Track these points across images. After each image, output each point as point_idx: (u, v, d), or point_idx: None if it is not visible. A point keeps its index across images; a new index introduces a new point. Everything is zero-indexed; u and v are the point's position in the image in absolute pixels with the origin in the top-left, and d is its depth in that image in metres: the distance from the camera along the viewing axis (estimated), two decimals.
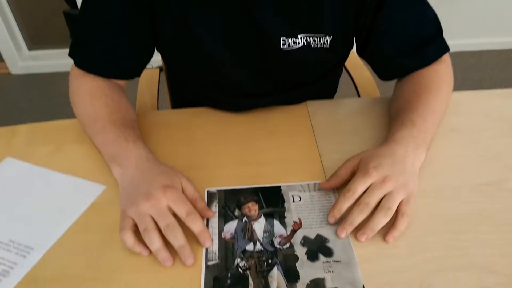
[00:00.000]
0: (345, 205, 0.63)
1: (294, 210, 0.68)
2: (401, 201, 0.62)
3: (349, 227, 0.61)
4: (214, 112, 0.90)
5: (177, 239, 0.59)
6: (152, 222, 0.60)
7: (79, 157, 0.79)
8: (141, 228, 0.60)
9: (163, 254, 0.59)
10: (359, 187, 0.63)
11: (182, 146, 0.81)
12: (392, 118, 0.80)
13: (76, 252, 0.62)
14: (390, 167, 0.65)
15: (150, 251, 0.60)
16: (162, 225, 0.60)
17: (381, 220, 0.61)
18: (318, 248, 0.62)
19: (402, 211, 0.62)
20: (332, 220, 0.63)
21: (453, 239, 0.62)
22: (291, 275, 0.58)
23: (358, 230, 0.62)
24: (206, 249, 0.62)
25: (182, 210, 0.62)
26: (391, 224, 0.62)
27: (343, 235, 0.61)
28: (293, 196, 0.70)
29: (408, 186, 0.64)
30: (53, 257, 0.61)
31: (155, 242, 0.59)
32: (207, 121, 0.88)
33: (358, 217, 0.61)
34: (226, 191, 0.72)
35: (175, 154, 0.79)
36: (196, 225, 0.61)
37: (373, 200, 0.62)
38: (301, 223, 0.65)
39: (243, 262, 0.60)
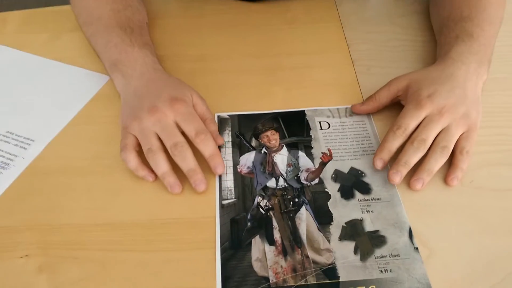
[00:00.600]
0: (395, 143, 0.51)
1: (322, 139, 0.57)
2: (460, 135, 0.51)
3: (403, 168, 0.50)
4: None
5: (186, 161, 0.50)
6: (157, 141, 0.50)
7: (80, 46, 0.69)
8: (144, 148, 0.51)
9: (171, 178, 0.50)
10: (411, 121, 0.51)
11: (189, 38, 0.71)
12: (439, 28, 0.66)
13: (80, 145, 0.57)
14: (448, 95, 0.52)
15: (156, 176, 0.52)
16: (168, 144, 0.50)
17: (438, 160, 0.50)
18: (353, 183, 0.52)
19: (462, 146, 0.51)
20: (379, 164, 0.51)
21: (498, 133, 0.57)
22: (323, 216, 0.49)
23: (409, 176, 0.51)
24: (220, 186, 0.52)
25: (191, 127, 0.51)
26: (449, 163, 0.51)
27: (397, 179, 0.50)
28: (320, 123, 0.59)
29: (470, 117, 0.52)
30: (55, 149, 0.57)
31: (161, 165, 0.50)
32: (218, 10, 0.77)
33: (413, 156, 0.50)
34: (240, 116, 0.60)
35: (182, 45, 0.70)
36: (207, 146, 0.51)
37: (429, 135, 0.50)
38: (331, 154, 0.55)
39: (265, 201, 0.51)
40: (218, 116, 0.60)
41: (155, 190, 0.52)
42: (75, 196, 0.52)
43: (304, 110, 0.61)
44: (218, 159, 0.52)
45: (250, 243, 0.47)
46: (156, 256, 0.46)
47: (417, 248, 0.45)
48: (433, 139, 0.51)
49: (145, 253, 0.46)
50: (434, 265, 0.44)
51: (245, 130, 0.58)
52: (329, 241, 0.46)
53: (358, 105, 0.59)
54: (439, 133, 0.51)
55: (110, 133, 0.58)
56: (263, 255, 0.46)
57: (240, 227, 0.48)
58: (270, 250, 0.46)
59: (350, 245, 0.46)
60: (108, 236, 0.48)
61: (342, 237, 0.47)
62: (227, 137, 0.58)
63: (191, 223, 0.49)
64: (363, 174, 0.53)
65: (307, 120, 0.59)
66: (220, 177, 0.53)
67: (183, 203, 0.51)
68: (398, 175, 0.50)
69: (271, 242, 0.47)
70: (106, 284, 0.44)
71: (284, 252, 0.46)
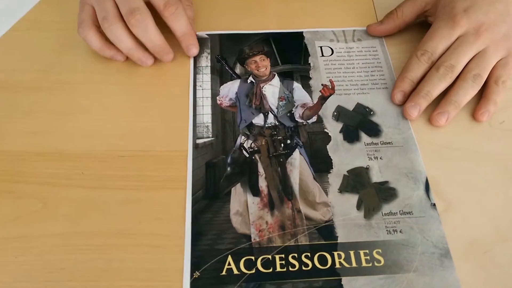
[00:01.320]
0: (419, 72, 0.42)
1: (323, 68, 0.46)
2: (497, 62, 0.41)
3: (423, 100, 0.41)
4: None
5: (148, 32, 0.42)
6: (114, 7, 0.42)
7: None
8: (99, 17, 0.43)
9: (139, 53, 0.44)
10: (440, 43, 0.41)
11: None
12: None
13: (24, 55, 0.48)
14: (488, 9, 0.41)
15: (126, 57, 0.45)
16: (123, 10, 0.42)
17: (469, 90, 0.40)
18: (358, 123, 0.42)
19: (498, 75, 0.41)
20: (399, 96, 0.42)
21: None
22: (320, 162, 0.39)
23: (431, 108, 0.42)
24: (194, 121, 0.42)
25: None
26: (479, 96, 0.42)
27: (415, 113, 0.41)
28: (321, 48, 0.48)
29: (511, 39, 0.41)
30: None
31: (123, 38, 0.43)
32: None
33: (437, 86, 0.40)
34: (222, 36, 0.49)
35: None
36: (179, 21, 0.43)
37: (460, 60, 0.40)
38: (333, 87, 0.44)
39: (249, 141, 0.41)
40: None
41: (115, 112, 0.42)
42: (14, 117, 0.43)
43: (302, 32, 0.49)
44: (192, 39, 0.45)
45: (229, 192, 0.38)
46: (110, 195, 0.37)
47: (434, 205, 0.37)
48: (463, 65, 0.40)
49: (96, 191, 0.38)
50: (452, 221, 0.36)
51: (228, 53, 0.47)
52: (326, 193, 0.37)
53: (375, 25, 0.48)
54: (472, 58, 0.41)
55: (61, 41, 0.49)
56: (245, 207, 0.37)
57: (218, 172, 0.39)
58: (253, 202, 0.37)
59: (353, 199, 0.37)
60: (51, 167, 0.39)
61: (342, 189, 0.38)
62: (205, 61, 0.46)
63: (157, 157, 0.39)
64: (371, 112, 0.43)
65: (306, 44, 0.48)
66: (194, 109, 0.42)
67: (149, 132, 0.41)
68: (416, 109, 0.40)
69: (255, 192, 0.38)
70: (46, 224, 0.36)
71: (270, 205, 0.37)
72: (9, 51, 0.48)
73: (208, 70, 0.46)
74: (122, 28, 0.42)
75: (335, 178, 0.38)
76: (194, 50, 0.45)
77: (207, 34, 0.48)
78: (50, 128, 0.42)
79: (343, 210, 0.36)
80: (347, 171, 0.39)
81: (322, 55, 0.47)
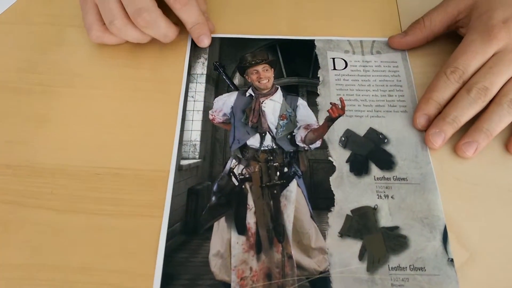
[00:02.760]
0: (447, 92, 0.36)
1: (334, 83, 0.40)
2: None
3: (449, 126, 0.35)
4: None
5: (159, 29, 0.39)
6: (119, 8, 0.38)
7: None
8: (106, 21, 0.39)
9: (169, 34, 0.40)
10: (474, 60, 0.35)
11: None
12: None
13: (9, 51, 0.43)
14: None
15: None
16: (129, 10, 0.38)
17: (504, 118, 0.34)
18: (369, 153, 0.36)
19: None
20: (422, 121, 0.36)
21: None
22: (321, 198, 0.34)
23: (457, 136, 0.35)
24: (181, 138, 0.36)
25: None
26: None
27: (439, 141, 0.35)
28: (334, 60, 0.41)
29: None
30: None
31: (135, 36, 0.40)
32: None
33: (467, 110, 0.34)
34: (222, 40, 0.43)
35: None
36: (190, 12, 0.40)
37: (495, 82, 0.34)
38: (343, 106, 0.38)
39: (241, 166, 0.35)
40: (192, 37, 0.43)
41: (95, 122, 0.37)
42: None
43: (313, 40, 0.43)
44: (204, 28, 0.41)
45: (211, 228, 0.32)
46: (79, 220, 0.33)
47: (451, 260, 0.31)
48: (499, 88, 0.34)
49: (65, 215, 0.33)
50: (473, 279, 0.30)
51: (228, 60, 0.42)
52: (324, 236, 0.32)
53: (399, 36, 0.41)
54: (510, 79, 0.34)
55: (47, 37, 0.44)
56: (227, 248, 0.32)
57: (201, 202, 0.34)
58: (238, 241, 0.32)
59: (355, 246, 0.32)
60: (20, 183, 0.35)
61: (344, 232, 0.32)
62: (201, 67, 0.41)
63: (135, 176, 0.35)
64: (385, 140, 0.37)
65: (316, 54, 0.42)
66: (182, 123, 0.37)
67: (129, 147, 0.36)
68: (441, 136, 0.34)
69: (241, 229, 0.32)
70: (4, 252, 0.31)
71: (257, 247, 0.32)
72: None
73: (203, 79, 0.40)
74: (133, 29, 0.39)
75: (336, 219, 0.33)
76: (206, 41, 0.41)
77: None
78: (24, 137, 0.37)
79: (342, 260, 0.31)
80: (351, 211, 0.33)
81: (334, 68, 0.41)
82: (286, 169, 0.35)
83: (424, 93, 0.37)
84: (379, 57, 0.42)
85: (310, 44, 0.43)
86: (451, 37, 0.41)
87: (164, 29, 0.39)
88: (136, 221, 0.33)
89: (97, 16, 0.40)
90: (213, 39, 0.43)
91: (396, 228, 0.32)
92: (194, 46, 0.42)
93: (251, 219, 0.33)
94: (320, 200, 0.34)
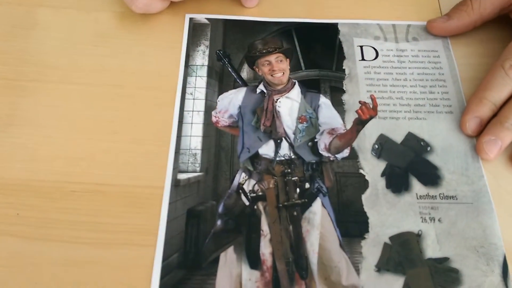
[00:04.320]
0: (503, 91, 0.30)
1: (362, 77, 0.33)
2: None
3: (507, 133, 0.29)
4: None
5: None
6: None
7: None
8: None
9: None
10: None
11: None
12: None
13: None
14: None
15: None
16: None
17: None
18: (409, 164, 0.29)
19: None
20: (473, 125, 0.30)
21: None
22: (351, 222, 0.27)
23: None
24: (177, 146, 0.30)
25: None
26: None
27: (494, 151, 0.29)
28: (362, 49, 0.35)
29: None
30: None
31: None
32: None
33: None
34: (227, 22, 0.36)
35: None
36: None
37: None
38: (375, 106, 0.32)
39: (252, 181, 0.29)
40: (190, 19, 0.36)
41: (72, 125, 0.31)
42: None
43: (337, 24, 0.36)
44: None
45: (217, 260, 0.26)
46: (51, 250, 0.27)
47: None
48: None
49: (34, 243, 0.27)
50: None
51: (234, 48, 0.35)
52: (358, 270, 0.26)
53: (440, 19, 0.35)
54: None
55: (13, 20, 0.37)
56: (237, 286, 0.25)
57: (203, 227, 0.27)
58: (250, 278, 0.25)
59: (396, 283, 0.25)
60: None
61: (382, 266, 0.26)
62: (201, 57, 0.34)
63: (120, 194, 0.28)
64: (428, 148, 0.30)
65: (341, 42, 0.35)
66: (179, 127, 0.31)
67: (113, 157, 0.30)
68: (497, 145, 0.29)
69: (254, 262, 0.26)
70: None
71: (275, 285, 0.25)
72: None
73: (204, 71, 0.33)
74: None
75: (371, 248, 0.26)
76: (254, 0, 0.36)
77: (207, 18, 0.36)
78: None
79: None
80: (390, 238, 0.27)
81: (363, 59, 0.34)
82: (307, 185, 0.29)
83: (475, 91, 0.31)
84: (416, 45, 0.35)
85: (333, 29, 0.35)
86: (503, 22, 0.35)
87: None
88: (122, 251, 0.26)
89: None
90: (215, 21, 0.36)
91: (445, 260, 0.26)
92: (192, 30, 0.35)
93: (266, 249, 0.26)
94: (351, 225, 0.27)
